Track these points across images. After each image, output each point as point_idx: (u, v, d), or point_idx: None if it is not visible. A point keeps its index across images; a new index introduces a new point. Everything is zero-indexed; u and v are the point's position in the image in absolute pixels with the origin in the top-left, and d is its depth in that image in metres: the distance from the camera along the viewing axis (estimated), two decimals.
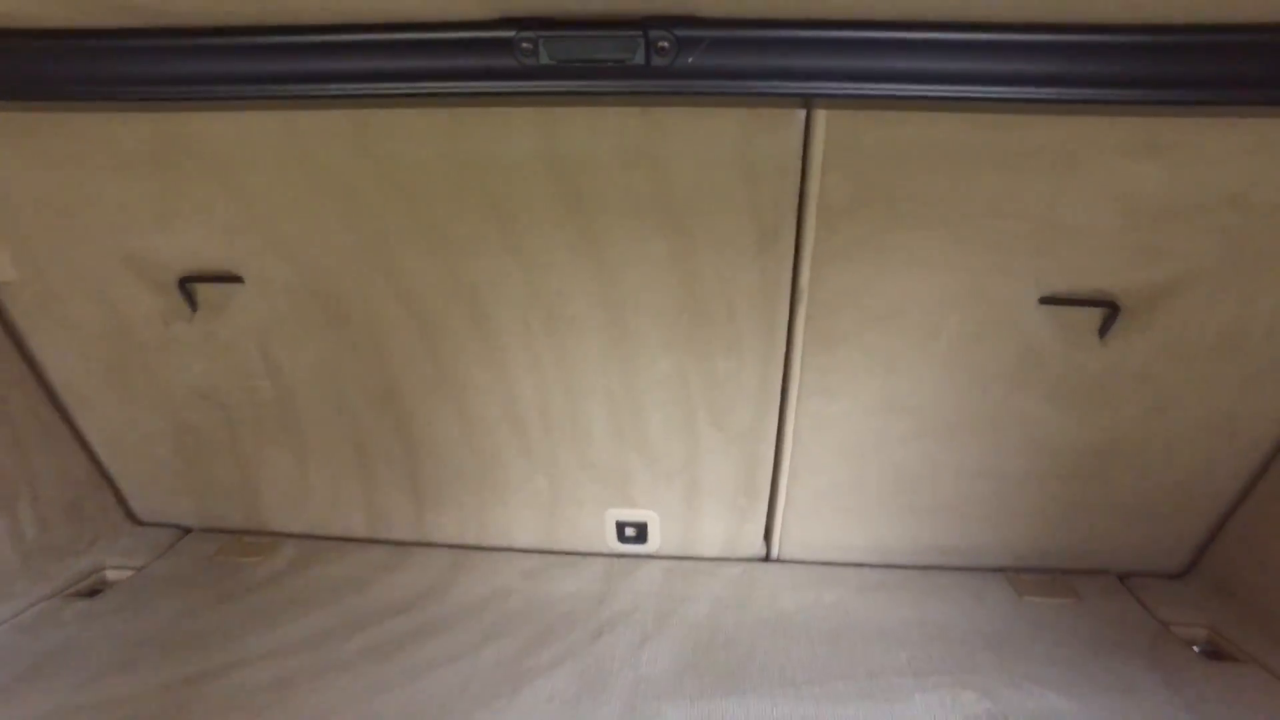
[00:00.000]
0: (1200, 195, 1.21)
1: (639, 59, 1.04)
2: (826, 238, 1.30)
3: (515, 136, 1.23)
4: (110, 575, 1.66)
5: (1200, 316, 1.33)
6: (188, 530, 1.79)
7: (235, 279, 1.44)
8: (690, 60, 1.05)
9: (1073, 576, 1.65)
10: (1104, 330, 1.37)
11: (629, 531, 1.62)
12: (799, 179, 1.24)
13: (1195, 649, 1.50)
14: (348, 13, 1.06)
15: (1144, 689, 1.34)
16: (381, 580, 1.60)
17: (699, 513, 1.61)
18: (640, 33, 1.02)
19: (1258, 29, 0.99)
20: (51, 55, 1.12)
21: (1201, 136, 1.16)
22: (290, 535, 1.76)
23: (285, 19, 1.07)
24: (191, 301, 1.48)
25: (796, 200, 1.26)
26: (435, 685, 1.30)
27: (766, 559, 1.66)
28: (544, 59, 1.05)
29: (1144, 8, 0.98)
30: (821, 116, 1.19)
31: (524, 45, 1.04)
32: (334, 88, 1.11)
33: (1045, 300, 1.34)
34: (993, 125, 1.17)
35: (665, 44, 1.03)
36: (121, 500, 1.77)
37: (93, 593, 1.58)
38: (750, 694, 1.29)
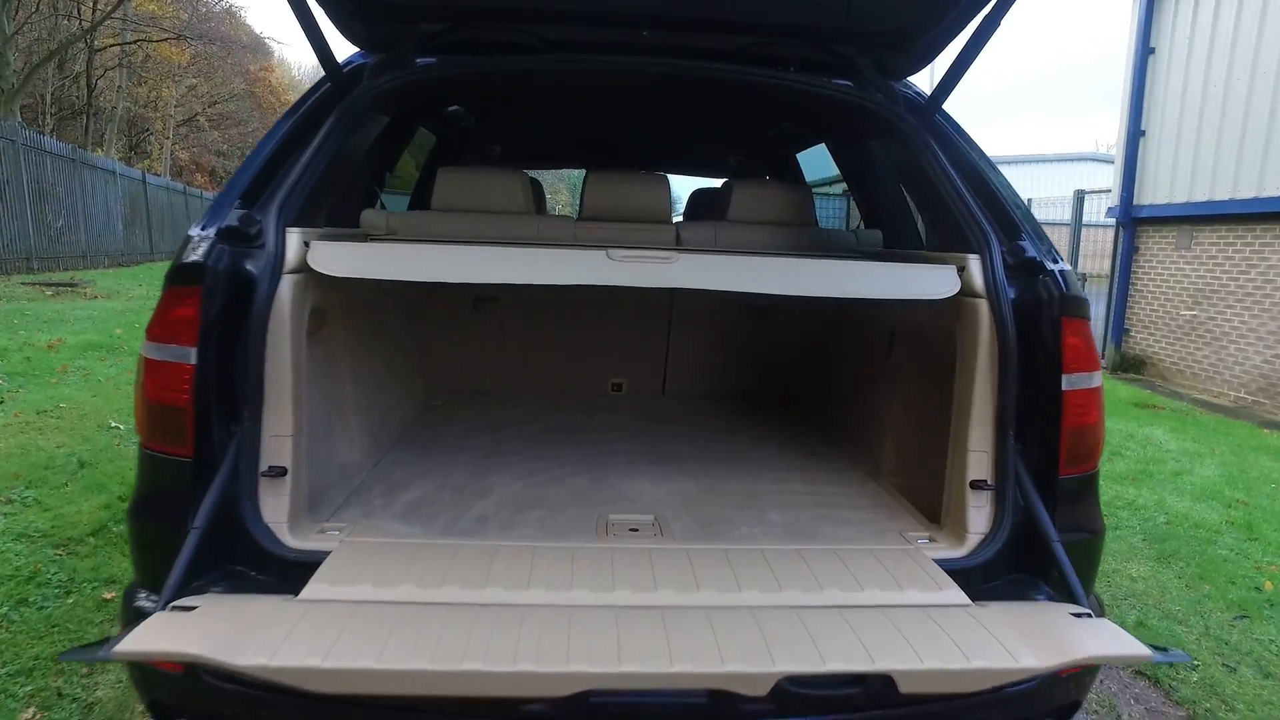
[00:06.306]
0: None
1: None
2: None
3: None
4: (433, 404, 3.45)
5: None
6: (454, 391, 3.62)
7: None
8: None
9: (752, 402, 3.68)
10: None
11: (616, 387, 3.75)
12: None
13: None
14: None
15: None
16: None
17: (640, 380, 3.75)
18: None
19: None
20: None
21: None
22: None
23: None
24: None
25: None
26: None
27: (663, 394, 3.77)
28: None
29: None
30: None
31: None
32: None
33: (749, 308, 3.54)
34: None
35: None
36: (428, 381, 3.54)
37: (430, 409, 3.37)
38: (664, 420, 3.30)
